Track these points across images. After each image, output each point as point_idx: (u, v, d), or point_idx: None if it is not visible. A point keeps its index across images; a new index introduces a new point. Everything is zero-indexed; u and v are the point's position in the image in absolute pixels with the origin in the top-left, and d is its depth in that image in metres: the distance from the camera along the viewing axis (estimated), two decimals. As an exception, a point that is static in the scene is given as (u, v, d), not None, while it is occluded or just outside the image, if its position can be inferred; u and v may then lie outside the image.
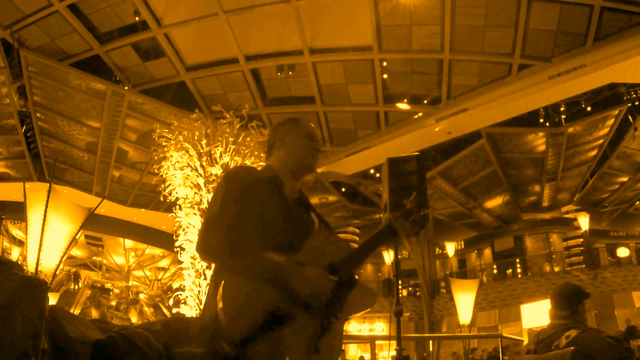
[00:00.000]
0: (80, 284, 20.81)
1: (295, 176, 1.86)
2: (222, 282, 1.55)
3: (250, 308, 1.48)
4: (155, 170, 7.18)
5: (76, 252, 19.10)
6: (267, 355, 1.46)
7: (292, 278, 1.52)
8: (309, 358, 1.52)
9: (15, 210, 12.93)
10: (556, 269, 18.48)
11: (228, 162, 6.93)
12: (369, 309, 1.76)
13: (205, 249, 1.63)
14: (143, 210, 15.05)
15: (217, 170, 6.81)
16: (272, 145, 1.92)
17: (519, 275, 19.19)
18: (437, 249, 22.37)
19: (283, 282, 1.52)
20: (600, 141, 14.34)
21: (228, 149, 6.95)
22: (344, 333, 1.97)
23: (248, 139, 7.08)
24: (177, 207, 6.95)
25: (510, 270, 19.78)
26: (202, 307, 6.29)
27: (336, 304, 1.60)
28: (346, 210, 17.89)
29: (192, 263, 6.56)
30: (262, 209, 1.68)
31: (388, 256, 2.21)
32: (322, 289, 1.55)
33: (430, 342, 15.02)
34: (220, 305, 1.49)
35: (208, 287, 1.65)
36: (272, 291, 1.51)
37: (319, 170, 13.79)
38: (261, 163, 7.07)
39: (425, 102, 12.52)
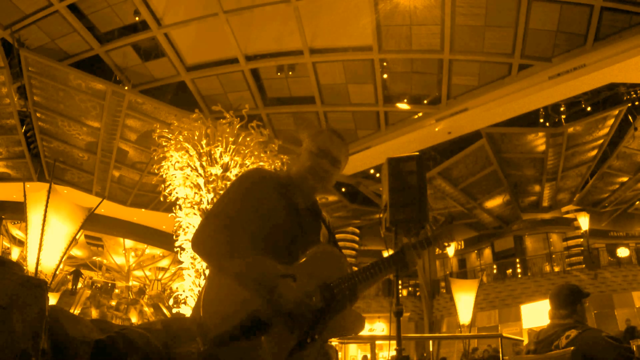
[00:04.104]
0: (80, 284, 20.79)
1: (303, 191, 1.80)
2: (212, 279, 1.54)
3: (230, 310, 1.46)
4: (155, 170, 7.18)
5: (76, 252, 19.09)
6: (237, 359, 1.44)
7: (278, 288, 1.47)
8: None
9: (15, 210, 12.93)
10: (556, 269, 18.47)
11: (228, 162, 6.93)
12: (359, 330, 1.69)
13: (199, 244, 1.61)
14: (143, 210, 15.05)
15: (217, 170, 6.82)
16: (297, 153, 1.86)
17: (519, 275, 19.18)
18: (437, 249, 22.35)
19: (268, 290, 1.47)
20: (600, 141, 14.35)
21: (228, 149, 6.95)
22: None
23: (248, 139, 7.08)
24: (177, 207, 6.95)
25: (510, 270, 19.77)
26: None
27: (319, 324, 1.53)
28: (346, 210, 17.90)
29: (192, 263, 6.57)
30: (269, 213, 1.66)
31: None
32: (305, 305, 1.49)
33: (430, 342, 15.03)
34: (202, 303, 1.48)
35: (202, 286, 1.63)
36: (255, 297, 1.47)
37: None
38: (261, 163, 7.08)
39: (425, 102, 12.53)
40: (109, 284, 22.99)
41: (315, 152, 1.76)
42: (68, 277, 19.55)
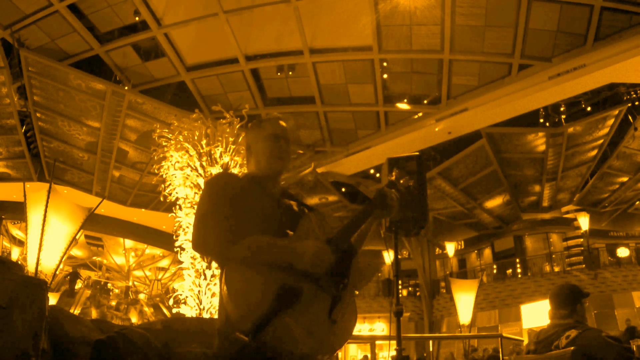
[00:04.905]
0: (79, 284, 20.79)
1: (271, 178, 1.83)
2: (224, 274, 1.54)
3: (256, 292, 1.46)
4: (155, 170, 7.18)
5: (76, 252, 19.09)
6: (283, 335, 1.43)
7: (291, 253, 1.52)
8: (326, 329, 1.51)
9: (15, 210, 12.93)
10: (556, 269, 18.47)
11: (228, 162, 6.93)
12: (371, 278, 1.75)
13: (203, 245, 1.64)
14: (143, 210, 15.06)
15: (217, 170, 6.81)
16: (246, 154, 1.92)
17: (519, 275, 19.18)
18: (437, 249, 22.36)
19: (283, 259, 1.52)
20: (600, 141, 14.34)
21: (228, 149, 6.95)
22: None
23: (248, 139, 7.07)
24: (177, 207, 6.95)
25: (510, 270, 19.77)
26: (202, 307, 6.31)
27: (341, 272, 1.60)
28: (346, 210, 17.87)
29: (192, 263, 6.56)
30: (250, 206, 1.67)
31: (388, 256, 2.20)
32: (322, 256, 1.53)
33: (430, 342, 15.02)
34: (226, 297, 1.48)
35: (219, 289, 1.63)
36: (274, 270, 1.50)
37: (319, 170, 13.89)
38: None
39: (425, 102, 12.53)
40: (103, 282, 22.96)
41: (271, 136, 1.82)
42: (67, 278, 19.56)
